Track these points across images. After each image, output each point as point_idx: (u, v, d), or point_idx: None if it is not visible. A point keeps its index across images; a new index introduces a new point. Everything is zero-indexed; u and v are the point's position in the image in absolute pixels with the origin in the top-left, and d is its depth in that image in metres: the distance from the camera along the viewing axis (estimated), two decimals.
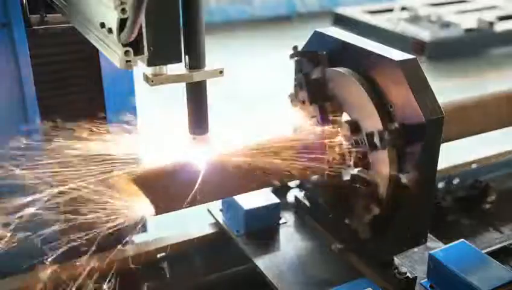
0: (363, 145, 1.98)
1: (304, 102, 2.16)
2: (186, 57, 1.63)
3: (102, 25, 1.54)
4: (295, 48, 2.19)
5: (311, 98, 2.12)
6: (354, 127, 2.01)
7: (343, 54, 2.07)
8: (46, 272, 2.31)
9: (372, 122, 1.94)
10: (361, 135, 1.99)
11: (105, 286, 2.18)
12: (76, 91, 2.49)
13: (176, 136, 1.83)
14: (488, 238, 2.91)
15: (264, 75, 6.62)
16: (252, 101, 5.27)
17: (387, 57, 1.89)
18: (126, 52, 1.45)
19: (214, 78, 1.69)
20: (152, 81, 1.60)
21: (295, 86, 2.22)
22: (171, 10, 1.49)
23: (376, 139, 1.92)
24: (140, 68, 1.58)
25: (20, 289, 2.32)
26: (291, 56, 2.18)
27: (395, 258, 2.10)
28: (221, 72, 1.69)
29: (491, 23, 8.40)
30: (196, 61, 1.65)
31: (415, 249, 2.19)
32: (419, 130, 1.82)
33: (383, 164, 1.94)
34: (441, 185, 3.21)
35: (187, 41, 1.62)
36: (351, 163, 2.05)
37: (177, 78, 1.63)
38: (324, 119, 2.12)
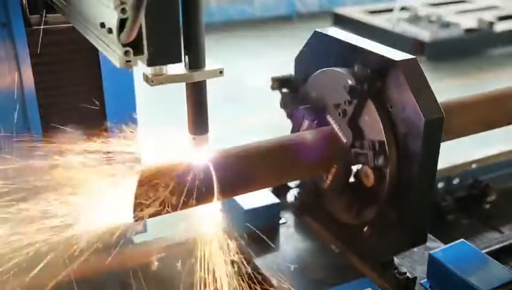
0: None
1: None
2: (186, 57, 1.63)
3: (102, 25, 1.54)
4: (273, 78, 2.31)
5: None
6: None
7: (343, 54, 2.07)
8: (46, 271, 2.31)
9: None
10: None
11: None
12: (76, 91, 2.49)
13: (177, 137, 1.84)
14: (488, 238, 2.91)
15: (263, 74, 6.64)
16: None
17: (387, 57, 1.90)
18: (126, 52, 1.45)
19: (213, 78, 1.70)
20: (152, 81, 1.60)
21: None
22: (171, 10, 1.49)
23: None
24: (141, 68, 1.58)
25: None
26: (272, 88, 2.31)
27: (395, 258, 2.10)
28: (221, 72, 1.69)
29: (491, 23, 8.41)
30: (196, 61, 1.65)
31: (415, 249, 2.19)
32: (419, 130, 1.82)
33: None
34: (440, 185, 3.21)
35: (187, 41, 1.62)
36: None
37: (177, 78, 1.64)
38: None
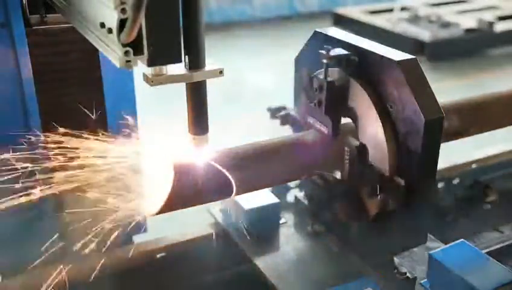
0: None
1: (318, 104, 2.07)
2: (186, 57, 1.63)
3: (102, 25, 1.54)
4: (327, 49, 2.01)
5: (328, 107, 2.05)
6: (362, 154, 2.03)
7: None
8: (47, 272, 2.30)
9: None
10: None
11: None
12: (76, 91, 2.49)
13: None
14: (488, 238, 2.90)
15: (263, 74, 6.64)
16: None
17: (387, 57, 1.90)
18: (126, 52, 1.45)
19: (213, 78, 1.69)
20: (152, 81, 1.60)
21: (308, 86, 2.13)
22: (171, 10, 1.49)
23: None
24: (140, 68, 1.58)
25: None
26: (324, 57, 1.97)
27: (395, 258, 2.10)
28: (221, 72, 1.69)
29: (491, 23, 8.40)
30: (196, 61, 1.65)
31: (415, 249, 2.19)
32: (419, 130, 1.82)
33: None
34: (441, 185, 3.21)
35: (187, 41, 1.62)
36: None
37: (177, 78, 1.64)
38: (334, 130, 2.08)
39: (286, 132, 2.42)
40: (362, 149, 2.02)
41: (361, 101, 1.97)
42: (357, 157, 2.02)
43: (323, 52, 1.95)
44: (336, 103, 2.04)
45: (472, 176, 3.31)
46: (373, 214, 2.04)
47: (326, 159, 2.11)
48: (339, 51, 1.98)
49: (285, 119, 2.50)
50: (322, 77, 1.99)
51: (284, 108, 2.52)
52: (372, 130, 1.97)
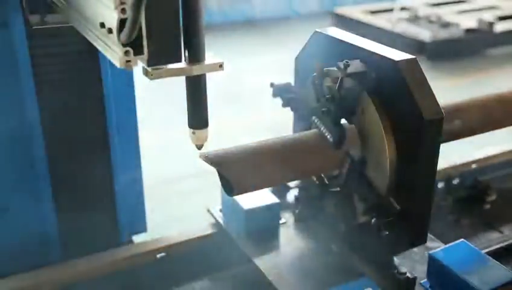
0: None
1: (327, 112, 2.04)
2: (186, 50, 1.63)
3: (102, 25, 1.54)
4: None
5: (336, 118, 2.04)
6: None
7: (343, 54, 2.07)
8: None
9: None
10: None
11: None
12: (76, 91, 2.49)
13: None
14: (488, 238, 2.91)
15: (262, 74, 6.63)
16: None
17: (387, 57, 1.89)
18: (126, 52, 1.45)
19: (213, 71, 1.69)
20: (151, 75, 1.59)
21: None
22: (171, 10, 1.49)
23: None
24: (140, 65, 1.58)
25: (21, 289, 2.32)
26: (341, 72, 1.94)
27: (395, 258, 2.10)
28: (220, 65, 1.68)
29: (491, 23, 8.39)
30: (196, 55, 1.64)
31: (415, 249, 2.19)
32: (419, 130, 1.82)
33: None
34: (440, 185, 3.21)
35: (187, 35, 1.61)
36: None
37: (176, 72, 1.63)
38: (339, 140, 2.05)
39: (286, 132, 2.42)
40: (362, 163, 2.02)
41: (370, 115, 1.96)
42: (356, 170, 2.01)
43: (341, 65, 1.91)
44: (345, 115, 2.04)
45: (472, 176, 3.31)
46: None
47: (326, 163, 2.10)
48: (356, 68, 1.94)
49: (288, 102, 2.37)
50: (335, 87, 1.97)
51: (288, 87, 2.37)
52: (377, 146, 1.96)
